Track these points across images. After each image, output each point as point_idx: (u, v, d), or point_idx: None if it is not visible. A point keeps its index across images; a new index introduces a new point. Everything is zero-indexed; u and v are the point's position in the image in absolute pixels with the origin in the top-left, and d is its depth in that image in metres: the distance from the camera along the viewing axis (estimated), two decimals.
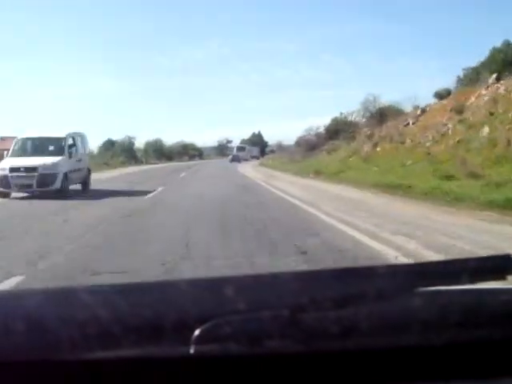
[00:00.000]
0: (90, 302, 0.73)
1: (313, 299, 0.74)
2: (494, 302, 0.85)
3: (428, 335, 0.77)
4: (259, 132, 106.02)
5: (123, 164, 46.51)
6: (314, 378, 0.76)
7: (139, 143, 64.53)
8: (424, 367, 0.77)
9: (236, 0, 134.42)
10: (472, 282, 0.82)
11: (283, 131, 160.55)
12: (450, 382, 0.77)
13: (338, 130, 34.99)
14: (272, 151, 70.14)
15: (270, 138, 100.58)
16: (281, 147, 62.53)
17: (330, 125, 38.65)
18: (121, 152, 54.68)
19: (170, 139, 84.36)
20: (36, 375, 0.73)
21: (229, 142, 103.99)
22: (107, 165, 39.06)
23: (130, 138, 59.69)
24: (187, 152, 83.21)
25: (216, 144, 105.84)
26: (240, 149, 67.58)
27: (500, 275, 0.82)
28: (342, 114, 37.65)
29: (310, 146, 37.86)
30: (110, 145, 61.05)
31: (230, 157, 60.66)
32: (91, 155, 25.44)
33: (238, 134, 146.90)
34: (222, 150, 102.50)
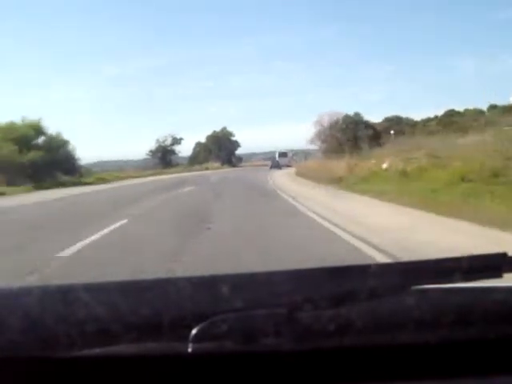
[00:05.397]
0: (88, 300, 0.74)
1: (308, 297, 0.75)
2: (488, 300, 0.85)
3: (422, 333, 0.78)
4: (225, 129, 67.88)
5: None
6: (309, 375, 0.77)
7: None
8: (418, 365, 0.78)
9: (186, 7, 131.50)
10: (466, 280, 0.82)
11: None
12: (444, 379, 0.78)
13: None
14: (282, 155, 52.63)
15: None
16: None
17: None
18: None
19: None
20: (34, 372, 0.73)
21: (176, 141, 62.73)
22: None
23: None
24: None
25: (154, 146, 61.64)
26: (282, 154, 53.61)
27: (495, 273, 0.82)
28: None
29: None
30: None
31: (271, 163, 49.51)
32: None
33: (193, 138, 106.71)
34: (164, 155, 61.36)
